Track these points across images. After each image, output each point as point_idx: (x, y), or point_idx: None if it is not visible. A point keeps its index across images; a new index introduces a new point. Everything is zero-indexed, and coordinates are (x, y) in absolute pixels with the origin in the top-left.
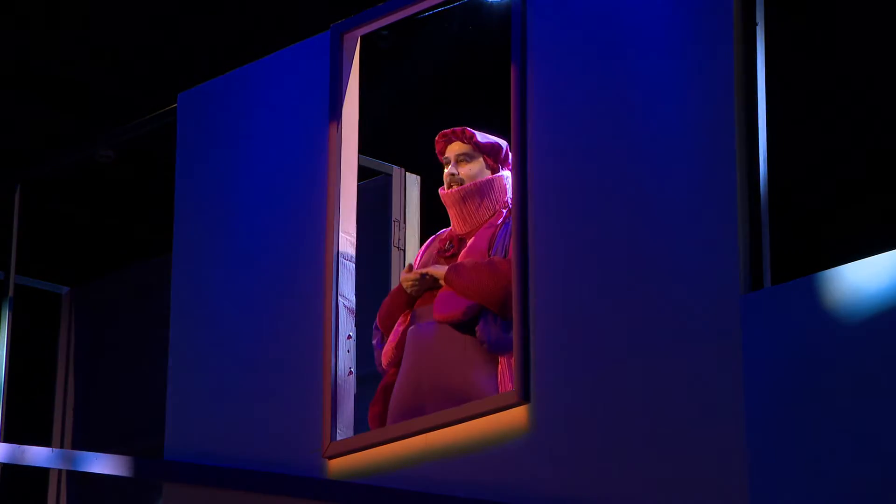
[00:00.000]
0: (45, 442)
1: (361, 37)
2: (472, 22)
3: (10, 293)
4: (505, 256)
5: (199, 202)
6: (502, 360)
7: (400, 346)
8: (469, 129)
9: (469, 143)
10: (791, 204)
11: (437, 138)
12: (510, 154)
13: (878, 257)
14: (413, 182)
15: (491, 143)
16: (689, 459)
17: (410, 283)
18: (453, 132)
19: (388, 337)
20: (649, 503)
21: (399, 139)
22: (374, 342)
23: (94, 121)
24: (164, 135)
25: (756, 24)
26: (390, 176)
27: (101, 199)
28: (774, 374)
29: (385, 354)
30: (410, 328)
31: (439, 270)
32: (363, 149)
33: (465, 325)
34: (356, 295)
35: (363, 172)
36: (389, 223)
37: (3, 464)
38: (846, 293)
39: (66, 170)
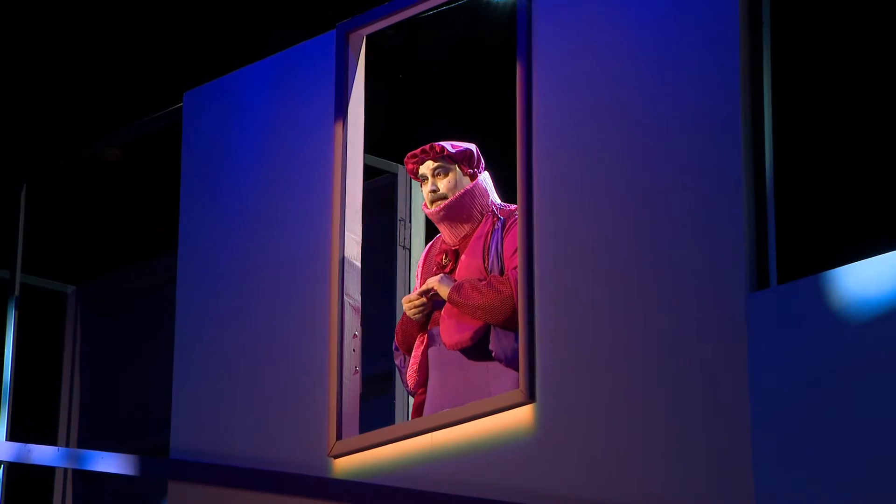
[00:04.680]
0: (50, 441)
1: (367, 36)
2: (478, 21)
3: (16, 292)
4: (500, 263)
5: (205, 201)
6: None
7: (422, 368)
8: (437, 143)
9: (441, 157)
10: (797, 203)
11: (406, 159)
12: (482, 157)
13: (884, 257)
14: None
15: (462, 150)
16: (695, 459)
17: (413, 308)
18: (422, 151)
19: (409, 358)
20: (654, 502)
21: (404, 138)
22: (396, 363)
23: (100, 120)
24: (170, 133)
25: (762, 24)
26: (396, 175)
27: (106, 198)
28: (780, 373)
29: (410, 378)
30: (430, 349)
31: (442, 288)
32: (369, 148)
33: (479, 346)
34: (362, 294)
35: (368, 172)
36: (395, 222)
37: (10, 462)
38: (852, 292)
39: (72, 168)
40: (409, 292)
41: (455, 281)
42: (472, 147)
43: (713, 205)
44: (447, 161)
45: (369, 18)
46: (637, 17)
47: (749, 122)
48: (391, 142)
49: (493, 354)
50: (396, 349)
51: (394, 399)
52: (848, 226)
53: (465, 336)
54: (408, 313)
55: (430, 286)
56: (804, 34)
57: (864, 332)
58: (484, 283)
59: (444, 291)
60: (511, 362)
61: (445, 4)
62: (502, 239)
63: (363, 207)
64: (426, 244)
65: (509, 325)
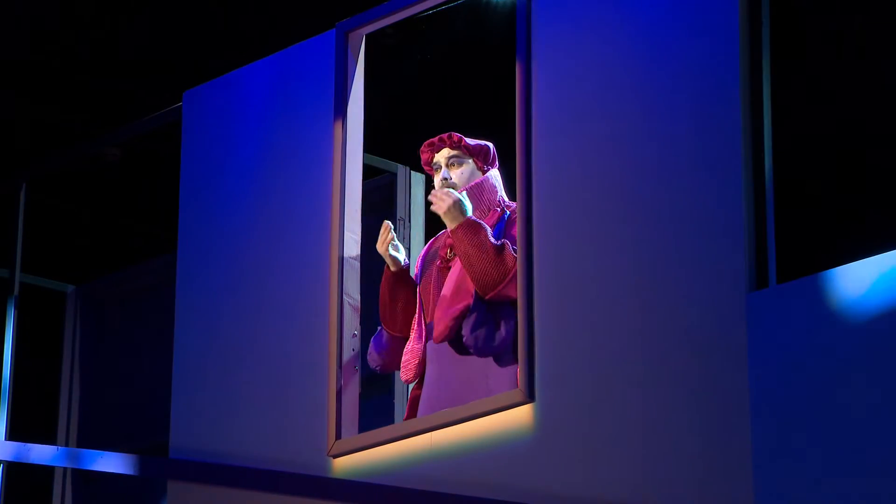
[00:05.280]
0: (49, 440)
1: (366, 35)
2: (478, 20)
3: (16, 291)
4: None
5: (204, 200)
6: None
7: (422, 363)
8: (455, 134)
9: (458, 148)
10: (796, 202)
11: (422, 148)
12: (496, 155)
13: (883, 256)
14: (418, 181)
15: (479, 144)
16: (695, 458)
17: (383, 241)
18: (440, 139)
19: (390, 332)
20: (654, 502)
21: (404, 138)
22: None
23: (100, 119)
24: (170, 133)
25: (762, 23)
26: (395, 174)
27: (106, 198)
28: (780, 373)
29: (409, 370)
30: (429, 342)
31: (455, 212)
32: (368, 147)
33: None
34: (361, 294)
35: (368, 171)
36: (394, 222)
37: (9, 462)
38: (851, 292)
39: (71, 168)
40: None
41: (473, 226)
42: (490, 145)
43: (713, 204)
44: (463, 152)
45: (369, 18)
46: (637, 17)
47: (749, 120)
48: (391, 141)
49: (463, 340)
50: (380, 331)
51: (393, 398)
52: (848, 226)
53: (443, 326)
54: (379, 250)
55: (448, 199)
56: (804, 34)
57: (863, 331)
58: (498, 244)
59: (455, 217)
60: (482, 353)
61: (445, 4)
62: (504, 231)
63: (363, 207)
64: (426, 244)
65: (496, 294)
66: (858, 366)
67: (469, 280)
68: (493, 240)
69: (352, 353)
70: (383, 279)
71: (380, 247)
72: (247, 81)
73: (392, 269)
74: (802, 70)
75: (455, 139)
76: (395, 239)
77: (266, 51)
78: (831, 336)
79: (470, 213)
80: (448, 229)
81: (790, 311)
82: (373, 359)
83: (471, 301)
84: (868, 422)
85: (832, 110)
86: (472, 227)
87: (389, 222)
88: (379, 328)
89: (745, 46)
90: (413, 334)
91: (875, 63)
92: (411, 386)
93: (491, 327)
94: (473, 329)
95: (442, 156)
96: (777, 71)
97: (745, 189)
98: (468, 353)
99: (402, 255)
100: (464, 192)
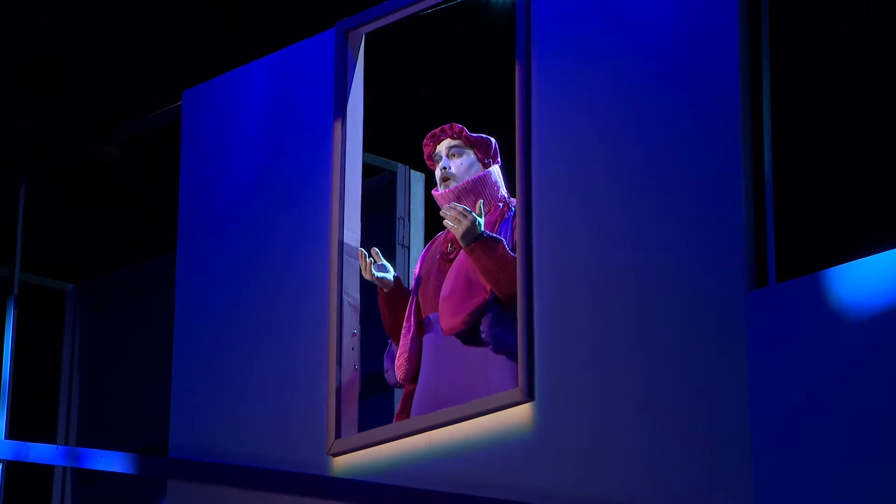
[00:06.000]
0: (49, 439)
1: (366, 35)
2: (478, 20)
3: (15, 290)
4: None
5: (204, 199)
6: None
7: (412, 358)
8: (456, 125)
9: (459, 138)
10: (796, 201)
11: (425, 141)
12: (498, 150)
13: (882, 255)
14: (418, 179)
15: (480, 137)
16: (694, 457)
17: (366, 269)
18: (441, 130)
19: (396, 344)
20: (653, 501)
21: (404, 137)
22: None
23: (99, 118)
24: (169, 132)
25: (762, 23)
26: (395, 173)
27: (105, 197)
28: (779, 372)
29: (399, 368)
30: (427, 336)
31: (473, 230)
32: (368, 146)
33: (476, 331)
34: (361, 292)
35: (368, 170)
36: (394, 221)
37: (8, 461)
38: (851, 291)
39: (71, 167)
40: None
41: (490, 241)
42: (491, 139)
43: (712, 202)
44: (464, 143)
45: (368, 17)
46: (637, 17)
47: (748, 119)
48: (390, 141)
49: (482, 337)
50: (390, 345)
51: (393, 398)
52: (847, 224)
53: (458, 320)
54: (365, 275)
55: (466, 221)
56: (804, 34)
57: (862, 330)
58: (515, 256)
59: (470, 238)
60: (498, 348)
61: (445, 4)
62: (511, 229)
63: (362, 206)
64: (426, 243)
65: (511, 303)
66: (858, 365)
67: (479, 276)
68: (510, 252)
69: (352, 352)
70: (379, 299)
71: (365, 275)
72: (247, 81)
73: (385, 290)
74: (802, 70)
75: (456, 129)
76: (381, 258)
77: (266, 50)
78: (831, 336)
79: (483, 228)
80: (462, 245)
81: (790, 311)
82: (390, 375)
83: (487, 297)
84: (868, 421)
85: (832, 110)
86: (488, 244)
87: (363, 249)
88: (389, 343)
89: (745, 46)
90: (402, 330)
91: (875, 63)
92: None
93: (508, 325)
94: (493, 326)
95: (443, 146)
96: (777, 71)
97: (744, 189)
98: (468, 346)
99: (390, 274)
100: (480, 204)
